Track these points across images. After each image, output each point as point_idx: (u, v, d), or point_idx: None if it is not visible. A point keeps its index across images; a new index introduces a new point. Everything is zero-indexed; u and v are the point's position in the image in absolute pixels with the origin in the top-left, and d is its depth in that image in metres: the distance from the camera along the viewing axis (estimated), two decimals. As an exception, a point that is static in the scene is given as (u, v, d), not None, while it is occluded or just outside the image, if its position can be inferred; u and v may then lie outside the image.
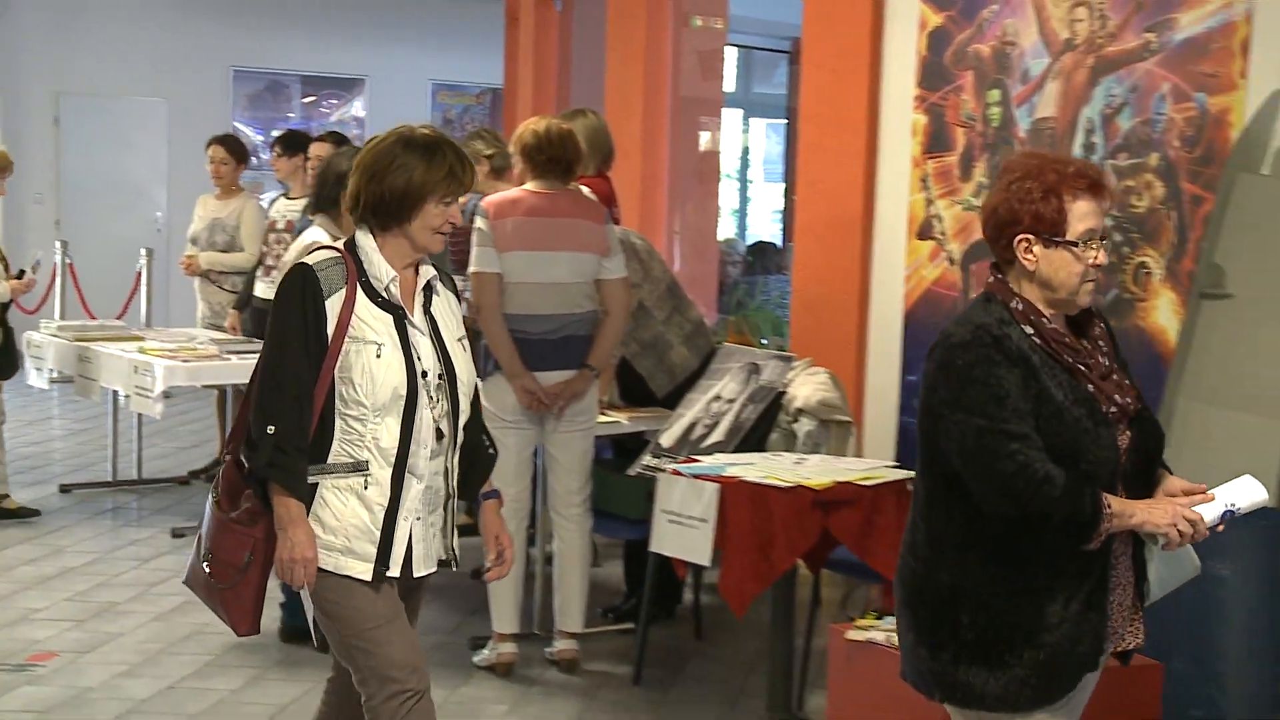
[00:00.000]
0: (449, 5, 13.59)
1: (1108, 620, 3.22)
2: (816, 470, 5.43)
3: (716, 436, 6.49)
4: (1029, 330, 3.18)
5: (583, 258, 5.53)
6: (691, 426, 6.58)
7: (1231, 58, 6.05)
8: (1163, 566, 3.28)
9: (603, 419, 6.08)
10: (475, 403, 3.74)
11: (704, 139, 9.72)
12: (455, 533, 3.71)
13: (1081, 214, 3.18)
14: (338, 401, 3.46)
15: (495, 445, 3.84)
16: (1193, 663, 5.04)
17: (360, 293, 3.49)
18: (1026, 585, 3.16)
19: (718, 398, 6.67)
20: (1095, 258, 3.20)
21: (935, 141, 7.03)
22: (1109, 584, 3.22)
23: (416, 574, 3.57)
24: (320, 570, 3.45)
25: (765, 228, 14.27)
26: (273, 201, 8.83)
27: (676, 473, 5.35)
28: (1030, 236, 3.18)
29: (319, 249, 3.65)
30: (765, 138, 14.81)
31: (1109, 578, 3.21)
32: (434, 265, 3.67)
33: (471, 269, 5.46)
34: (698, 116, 9.55)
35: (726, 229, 12.86)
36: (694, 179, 9.65)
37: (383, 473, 3.48)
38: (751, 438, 6.37)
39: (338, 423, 3.46)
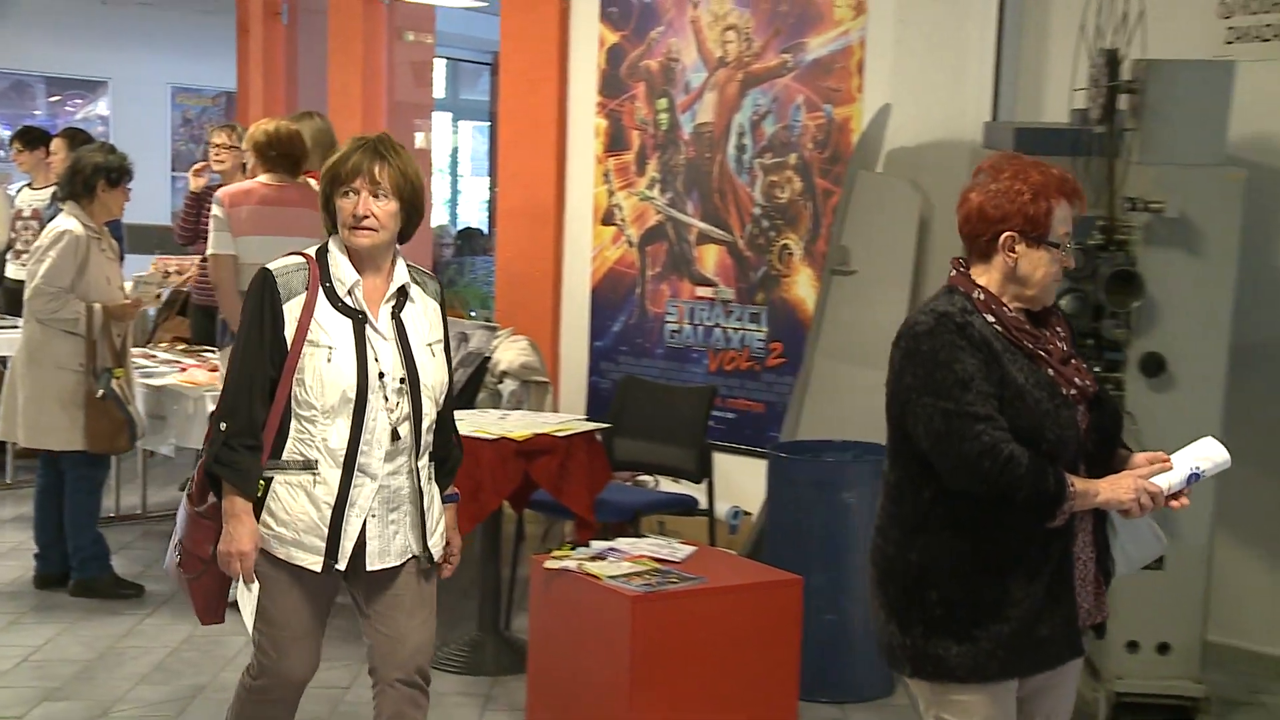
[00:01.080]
0: (185, 15, 13.29)
1: (1075, 600, 3.06)
2: (518, 424, 5.51)
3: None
4: (990, 319, 3.01)
5: (310, 242, 5.60)
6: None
7: (850, 75, 6.43)
8: (1129, 544, 3.15)
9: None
10: (448, 411, 3.49)
11: (418, 139, 9.76)
12: (437, 530, 3.45)
13: (1061, 218, 3.03)
14: (293, 402, 3.25)
15: (463, 447, 3.58)
16: (826, 576, 5.19)
17: (321, 297, 3.26)
18: (992, 563, 2.99)
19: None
20: (1066, 259, 3.07)
21: (614, 142, 7.21)
22: (1072, 560, 3.04)
23: (370, 568, 3.33)
24: (274, 558, 3.28)
25: (473, 215, 14.35)
26: (18, 191, 8.61)
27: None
28: (1016, 235, 3.02)
29: (289, 254, 3.38)
30: (471, 137, 14.87)
31: (1071, 555, 3.04)
32: (413, 272, 3.38)
33: (209, 251, 5.47)
34: (411, 119, 9.59)
35: (439, 217, 12.92)
36: (409, 174, 9.78)
37: (331, 472, 3.27)
38: (461, 398, 6.30)
39: (293, 422, 3.26)
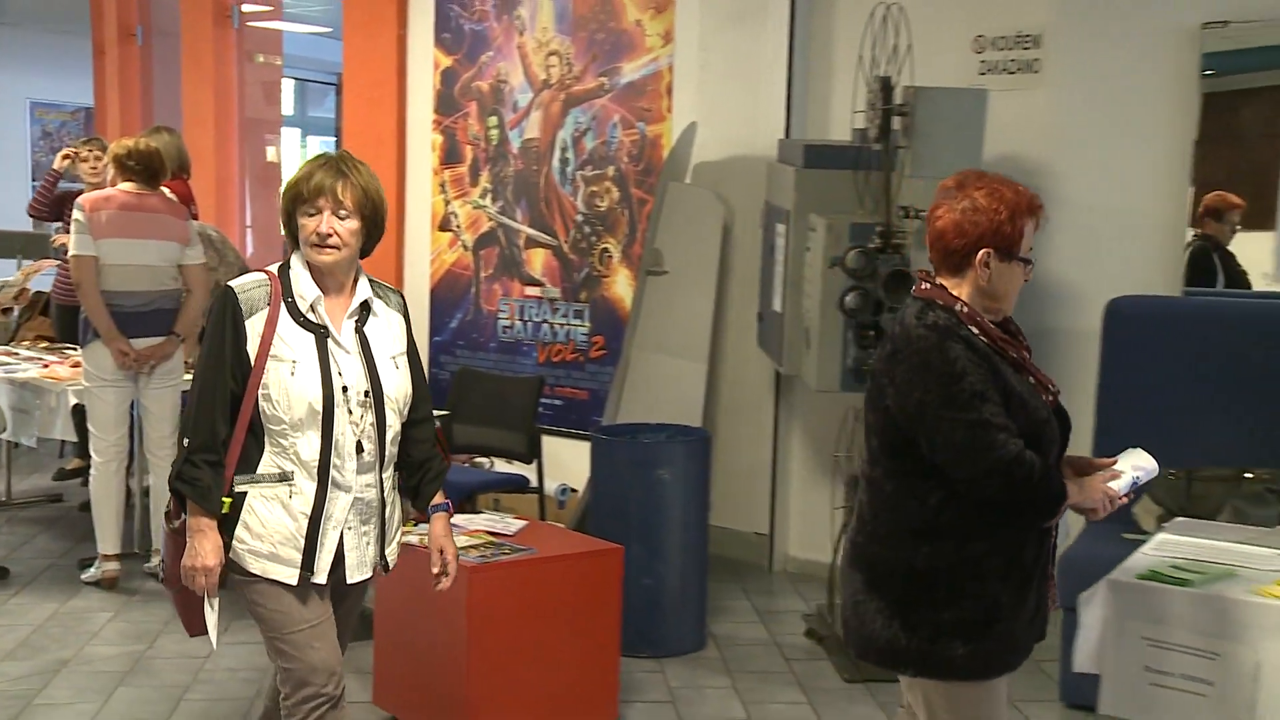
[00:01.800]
0: (43, 34, 12.96)
1: (1047, 592, 2.99)
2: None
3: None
4: (975, 330, 2.89)
5: (167, 245, 5.52)
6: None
7: (660, 97, 6.52)
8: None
9: (188, 376, 5.98)
10: (425, 420, 3.29)
11: (269, 152, 9.66)
12: (395, 542, 3.29)
13: (1028, 235, 2.92)
14: (262, 416, 3.04)
15: (449, 457, 3.41)
16: (644, 545, 5.25)
17: (284, 312, 3.06)
18: (998, 565, 2.87)
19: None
20: (1029, 272, 2.95)
21: (450, 155, 7.19)
22: (1049, 558, 2.97)
23: (350, 580, 3.16)
24: (249, 574, 3.06)
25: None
26: None
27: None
28: (991, 251, 2.89)
29: (249, 272, 3.18)
30: (319, 151, 14.93)
31: (1048, 552, 2.98)
32: (376, 286, 3.21)
33: (71, 253, 5.40)
34: (262, 134, 9.47)
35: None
36: (261, 184, 9.54)
37: (307, 484, 3.07)
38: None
39: (266, 436, 3.05)
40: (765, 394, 6.54)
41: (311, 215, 3.03)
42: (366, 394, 3.11)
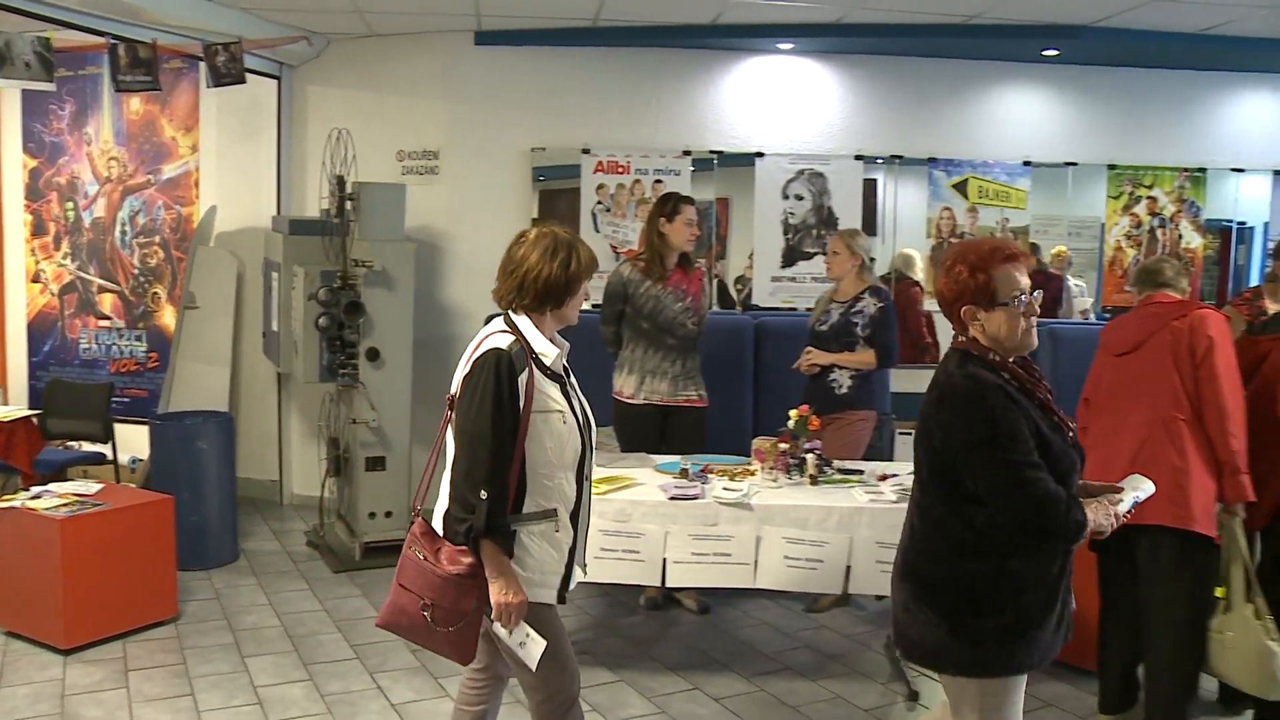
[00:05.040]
0: None
1: (1070, 601, 2.89)
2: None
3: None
4: (1006, 375, 2.76)
5: None
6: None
7: (191, 188, 7.11)
8: None
9: None
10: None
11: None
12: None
13: (1003, 279, 2.77)
14: (529, 462, 2.88)
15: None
16: (190, 493, 5.37)
17: (535, 368, 2.91)
18: (1029, 579, 2.76)
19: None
20: (1028, 308, 2.79)
21: (38, 229, 7.60)
22: (1072, 569, 2.87)
23: (569, 589, 3.09)
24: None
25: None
26: None
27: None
28: (971, 306, 2.80)
29: (499, 333, 2.95)
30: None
31: (1070, 568, 2.86)
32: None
33: None
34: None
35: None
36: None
37: (565, 516, 2.97)
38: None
39: (530, 480, 2.90)
40: (270, 386, 7.14)
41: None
42: (589, 426, 3.05)
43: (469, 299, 6.67)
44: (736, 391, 6.41)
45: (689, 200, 5.36)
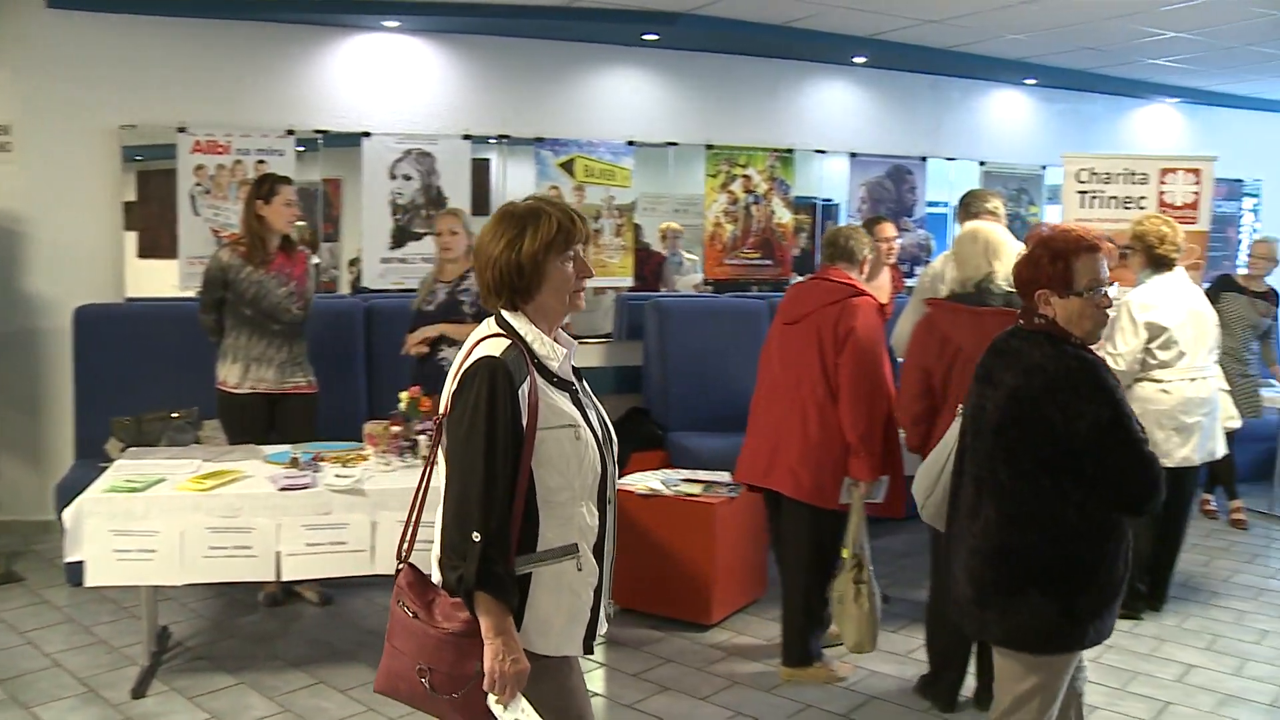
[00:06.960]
0: None
1: None
2: None
3: None
4: (1087, 356, 2.84)
5: None
6: None
7: None
8: None
9: None
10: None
11: None
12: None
13: (1083, 270, 2.84)
14: (541, 490, 2.40)
15: None
16: None
17: (538, 375, 2.43)
18: (1121, 553, 2.86)
19: None
20: (1101, 301, 2.86)
21: None
22: None
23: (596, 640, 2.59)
24: (540, 655, 2.44)
25: None
26: None
27: None
28: (1046, 291, 2.87)
29: (491, 338, 2.46)
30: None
31: None
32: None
33: None
34: None
35: None
36: None
37: (588, 551, 2.48)
38: None
39: (542, 511, 2.41)
40: None
41: (570, 261, 2.50)
42: (609, 441, 2.60)
43: (54, 289, 6.55)
44: (348, 376, 6.53)
45: (286, 180, 5.39)
